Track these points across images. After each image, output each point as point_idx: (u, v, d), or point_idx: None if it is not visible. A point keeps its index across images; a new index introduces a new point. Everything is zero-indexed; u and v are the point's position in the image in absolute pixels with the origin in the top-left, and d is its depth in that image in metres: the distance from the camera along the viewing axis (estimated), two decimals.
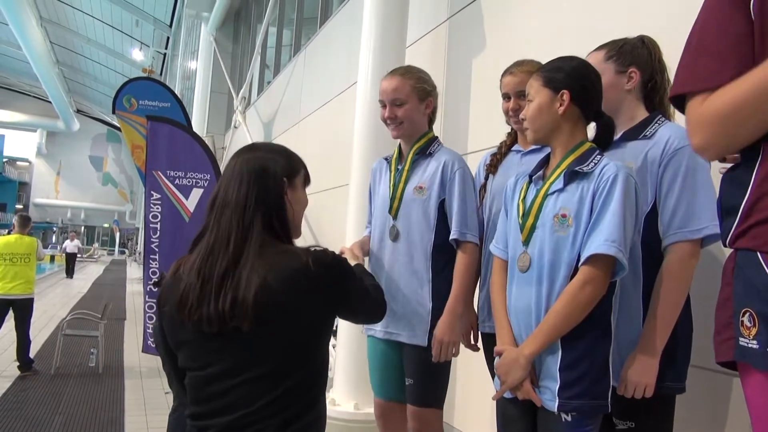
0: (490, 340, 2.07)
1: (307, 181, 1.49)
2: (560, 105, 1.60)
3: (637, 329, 1.60)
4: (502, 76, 2.13)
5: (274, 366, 1.27)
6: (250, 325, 1.24)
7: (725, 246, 1.05)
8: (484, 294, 2.13)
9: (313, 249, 1.35)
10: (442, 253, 2.08)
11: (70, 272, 18.72)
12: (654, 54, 1.75)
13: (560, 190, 1.59)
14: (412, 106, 2.13)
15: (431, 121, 2.24)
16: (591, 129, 1.70)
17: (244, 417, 1.26)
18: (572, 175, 1.57)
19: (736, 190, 1.01)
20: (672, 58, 2.06)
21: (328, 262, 1.35)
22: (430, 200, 2.09)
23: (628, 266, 1.61)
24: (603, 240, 1.47)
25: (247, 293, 1.24)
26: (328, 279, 1.33)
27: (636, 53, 1.74)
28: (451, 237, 2.06)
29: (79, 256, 20.39)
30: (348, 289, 1.41)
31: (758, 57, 0.95)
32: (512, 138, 2.21)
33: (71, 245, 19.33)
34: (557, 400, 1.50)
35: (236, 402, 1.26)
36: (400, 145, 2.26)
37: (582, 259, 1.50)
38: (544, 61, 1.74)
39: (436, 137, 2.22)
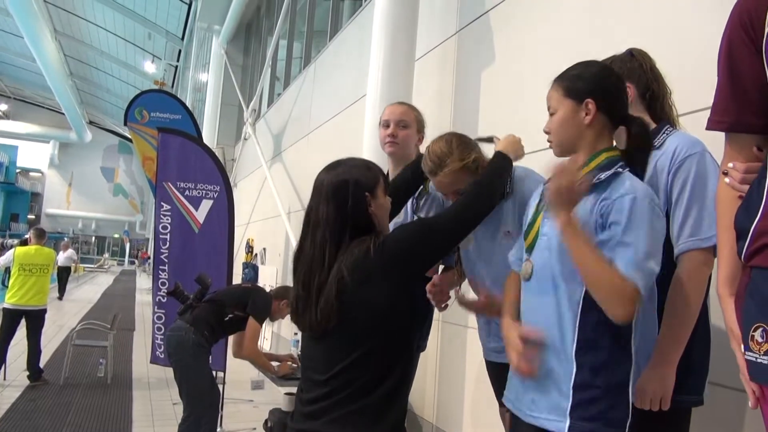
0: (493, 367, 2.08)
1: (387, 186, 1.62)
2: (586, 114, 1.51)
3: (654, 343, 1.57)
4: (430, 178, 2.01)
5: (365, 348, 1.45)
6: (336, 321, 1.45)
7: (741, 260, 1.06)
8: (484, 319, 2.10)
9: (371, 237, 1.49)
10: None
11: (61, 291, 14.43)
12: (645, 64, 1.73)
13: None
14: (411, 132, 2.39)
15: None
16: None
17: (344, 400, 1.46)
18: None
19: (746, 212, 1.06)
20: (684, 64, 2.05)
21: (381, 240, 1.48)
22: (407, 221, 2.29)
23: None
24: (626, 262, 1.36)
25: (330, 293, 1.45)
26: (386, 256, 1.46)
27: (626, 68, 1.72)
28: None
29: (89, 267, 18.55)
30: (414, 247, 1.51)
31: None
32: None
33: (63, 257, 14.41)
34: (567, 420, 1.38)
35: (335, 388, 1.46)
36: (388, 171, 2.43)
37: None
38: (554, 74, 1.71)
39: None
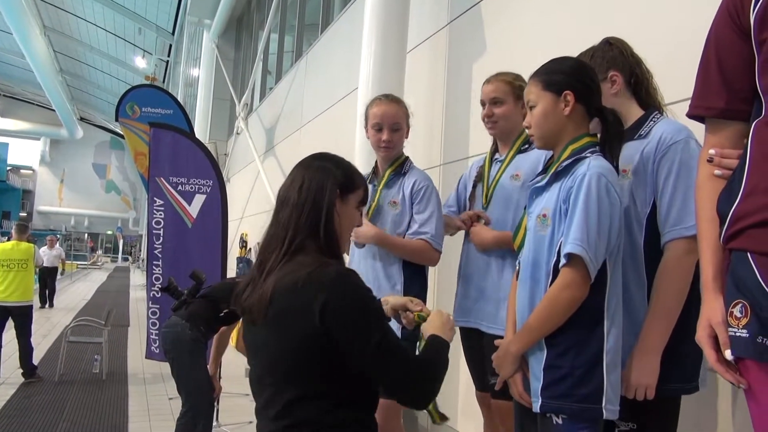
0: (462, 333, 2.24)
1: (363, 201, 1.53)
2: (565, 106, 1.57)
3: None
4: (483, 84, 2.22)
5: (283, 372, 1.34)
6: (262, 323, 1.35)
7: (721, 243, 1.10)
8: (461, 291, 2.25)
9: (324, 266, 1.32)
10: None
11: (47, 297, 12.08)
12: (625, 51, 1.75)
13: (544, 189, 1.62)
14: (403, 132, 2.37)
15: None
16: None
17: (273, 419, 1.35)
18: (556, 174, 1.58)
19: (728, 197, 1.10)
20: (677, 53, 2.06)
21: (325, 281, 1.29)
22: (404, 214, 2.31)
23: (631, 268, 1.61)
24: (570, 240, 1.46)
25: (266, 293, 1.34)
26: (318, 298, 1.28)
27: (609, 56, 1.73)
28: (409, 232, 2.30)
29: (82, 264, 17.22)
30: (345, 320, 1.28)
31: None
32: (495, 146, 2.29)
33: (51, 255, 11.92)
34: (540, 400, 1.49)
35: (266, 403, 1.37)
36: (376, 162, 2.47)
37: (561, 261, 1.49)
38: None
39: (407, 157, 2.44)
